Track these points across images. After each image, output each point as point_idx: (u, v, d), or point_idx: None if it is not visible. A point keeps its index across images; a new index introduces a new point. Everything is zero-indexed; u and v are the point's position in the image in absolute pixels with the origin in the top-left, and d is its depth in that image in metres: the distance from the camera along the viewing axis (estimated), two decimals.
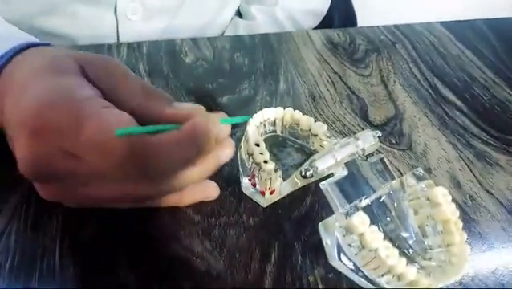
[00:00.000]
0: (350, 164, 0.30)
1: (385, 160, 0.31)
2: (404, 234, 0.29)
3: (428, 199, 0.28)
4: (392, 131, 0.41)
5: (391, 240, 0.30)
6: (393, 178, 0.30)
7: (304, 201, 0.34)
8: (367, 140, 0.31)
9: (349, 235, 0.26)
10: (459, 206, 0.35)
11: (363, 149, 0.31)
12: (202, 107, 0.29)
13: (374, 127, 0.42)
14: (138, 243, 0.31)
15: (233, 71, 0.48)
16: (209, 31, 0.62)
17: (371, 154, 0.32)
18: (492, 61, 0.51)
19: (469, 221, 0.34)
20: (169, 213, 0.33)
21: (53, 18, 0.53)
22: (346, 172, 0.29)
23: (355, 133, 0.41)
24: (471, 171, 0.38)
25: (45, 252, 0.30)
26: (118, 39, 0.56)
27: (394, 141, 0.40)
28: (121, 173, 0.25)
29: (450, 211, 0.28)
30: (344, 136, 0.40)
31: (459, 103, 0.45)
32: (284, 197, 0.34)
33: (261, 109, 0.37)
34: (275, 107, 0.43)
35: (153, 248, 0.31)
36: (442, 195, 0.28)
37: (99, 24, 0.55)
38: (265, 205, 0.34)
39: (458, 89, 0.47)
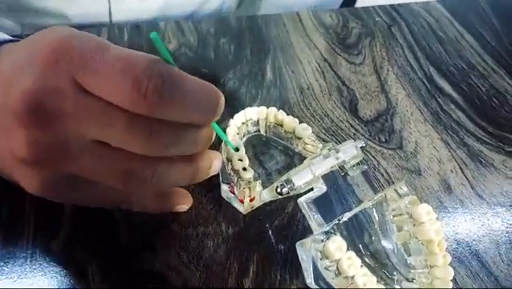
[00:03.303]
0: (329, 179, 0.28)
1: (368, 172, 0.29)
2: (387, 251, 0.28)
3: (411, 216, 0.27)
4: (383, 127, 0.39)
5: (372, 256, 0.28)
6: (376, 192, 0.29)
7: (286, 208, 0.33)
8: (349, 152, 0.29)
9: (326, 259, 0.25)
10: (448, 212, 0.33)
11: (343, 161, 0.29)
12: None
13: (364, 123, 0.40)
14: (111, 255, 0.30)
15: (218, 60, 0.46)
16: (207, 6, 0.59)
17: (356, 165, 0.30)
18: (493, 46, 0.48)
19: (457, 229, 0.32)
20: (145, 222, 0.31)
21: None
22: (325, 189, 0.28)
23: (342, 130, 0.39)
24: (463, 173, 0.36)
25: (15, 263, 0.29)
26: (110, 18, 0.54)
27: (384, 139, 0.38)
28: (139, 100, 0.22)
29: (434, 231, 0.26)
30: (331, 134, 0.38)
31: (455, 95, 0.43)
32: (265, 204, 0.33)
33: (245, 103, 0.35)
34: (261, 99, 0.42)
35: (127, 260, 0.30)
36: (426, 213, 0.26)
37: (91, 3, 0.52)
38: (244, 213, 0.32)
39: (455, 79, 0.44)
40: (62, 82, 0.23)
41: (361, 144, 0.30)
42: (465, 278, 0.30)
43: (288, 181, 0.28)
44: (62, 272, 0.29)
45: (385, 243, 0.28)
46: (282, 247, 0.31)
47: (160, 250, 0.30)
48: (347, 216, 0.27)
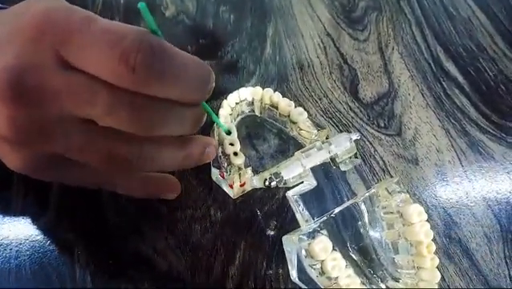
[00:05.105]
0: (320, 171, 0.27)
1: (361, 167, 0.28)
2: (375, 247, 0.28)
3: (402, 216, 0.26)
4: (383, 111, 0.38)
5: (359, 251, 0.28)
6: (368, 187, 0.28)
7: (277, 194, 0.32)
8: (342, 144, 0.28)
9: (311, 258, 0.24)
10: (441, 205, 0.33)
11: (336, 155, 0.28)
12: None
13: (363, 105, 0.38)
14: (97, 236, 0.30)
15: (217, 30, 0.44)
16: None
17: (348, 159, 0.29)
18: (506, 27, 0.46)
19: (450, 224, 0.32)
20: (133, 204, 0.31)
21: None
22: (315, 183, 0.27)
23: (341, 112, 0.38)
24: (461, 164, 0.35)
25: (1, 242, 0.29)
26: None
27: (383, 124, 0.37)
28: (127, 73, 0.21)
29: (424, 232, 0.25)
30: (329, 116, 0.37)
31: (461, 78, 0.41)
32: (256, 188, 0.32)
33: (242, 78, 0.34)
34: (258, 75, 0.40)
35: (113, 242, 0.30)
36: (417, 214, 0.25)
37: None
38: (234, 197, 0.32)
39: (462, 61, 0.42)
40: (46, 57, 0.22)
41: (355, 136, 0.29)
42: (454, 276, 0.29)
43: (277, 175, 0.27)
44: (48, 251, 0.29)
45: (374, 239, 0.28)
46: (271, 234, 0.30)
47: (147, 233, 0.30)
48: (334, 212, 0.26)
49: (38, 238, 0.29)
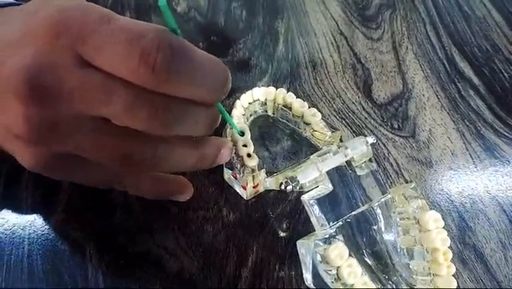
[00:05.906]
0: (336, 175, 0.27)
1: (377, 171, 0.28)
2: (389, 252, 0.27)
3: (418, 222, 0.26)
4: (396, 112, 0.37)
5: (374, 255, 0.28)
6: (384, 192, 0.27)
7: (290, 196, 0.32)
8: (358, 148, 0.28)
9: (326, 263, 0.24)
10: (456, 210, 0.32)
11: (352, 158, 0.28)
12: None
13: (377, 106, 0.38)
14: (108, 236, 0.30)
15: (228, 27, 0.43)
16: None
17: (364, 163, 0.28)
18: None
19: (464, 229, 0.31)
20: (143, 203, 0.31)
21: None
22: (331, 188, 0.27)
23: (354, 113, 0.37)
24: (476, 167, 0.35)
25: (14, 240, 0.29)
26: None
27: (396, 126, 0.37)
28: (146, 72, 0.21)
29: (440, 239, 0.25)
30: (342, 116, 0.37)
31: (476, 80, 0.40)
32: (269, 189, 0.32)
33: (255, 77, 0.33)
34: (271, 74, 0.40)
35: (124, 242, 0.29)
36: (434, 221, 0.25)
37: None
38: (247, 199, 0.32)
39: (477, 62, 0.42)
40: (64, 57, 0.22)
41: (372, 140, 0.28)
42: (468, 282, 0.29)
43: (293, 179, 0.26)
44: (60, 251, 0.29)
45: (388, 243, 0.27)
46: (284, 236, 0.30)
47: (157, 233, 0.30)
48: (350, 217, 0.26)
49: (51, 237, 0.29)
